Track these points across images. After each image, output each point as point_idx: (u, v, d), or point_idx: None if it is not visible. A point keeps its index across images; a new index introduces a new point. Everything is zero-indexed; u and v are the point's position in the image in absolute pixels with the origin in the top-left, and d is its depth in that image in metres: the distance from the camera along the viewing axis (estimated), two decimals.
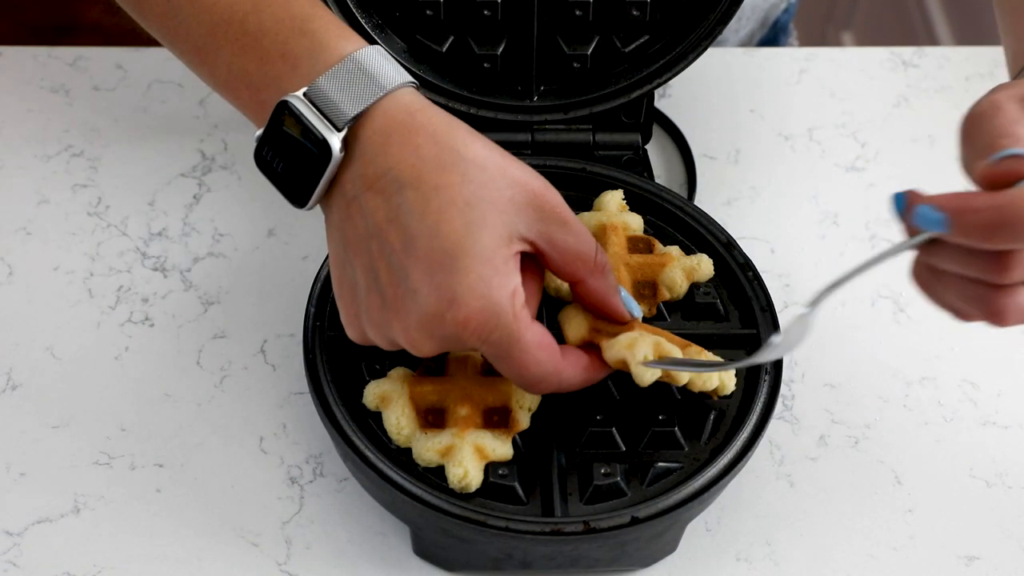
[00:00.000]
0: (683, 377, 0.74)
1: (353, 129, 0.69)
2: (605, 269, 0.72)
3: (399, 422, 0.74)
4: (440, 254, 0.66)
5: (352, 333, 0.72)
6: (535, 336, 0.69)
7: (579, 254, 0.71)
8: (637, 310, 0.75)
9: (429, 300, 0.66)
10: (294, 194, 0.71)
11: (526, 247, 0.69)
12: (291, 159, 0.70)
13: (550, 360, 0.69)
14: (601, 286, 0.73)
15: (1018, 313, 0.62)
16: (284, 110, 0.69)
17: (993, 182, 0.61)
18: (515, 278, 0.68)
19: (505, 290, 0.67)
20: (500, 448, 0.74)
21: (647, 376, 0.72)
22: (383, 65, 0.69)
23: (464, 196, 0.67)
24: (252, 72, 0.72)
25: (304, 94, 0.69)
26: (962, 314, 0.65)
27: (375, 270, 0.68)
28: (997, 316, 0.62)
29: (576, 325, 0.75)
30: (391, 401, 0.75)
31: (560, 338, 0.74)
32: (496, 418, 0.75)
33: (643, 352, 0.72)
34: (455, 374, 0.76)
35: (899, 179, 1.00)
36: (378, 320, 0.69)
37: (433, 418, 0.75)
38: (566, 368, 0.71)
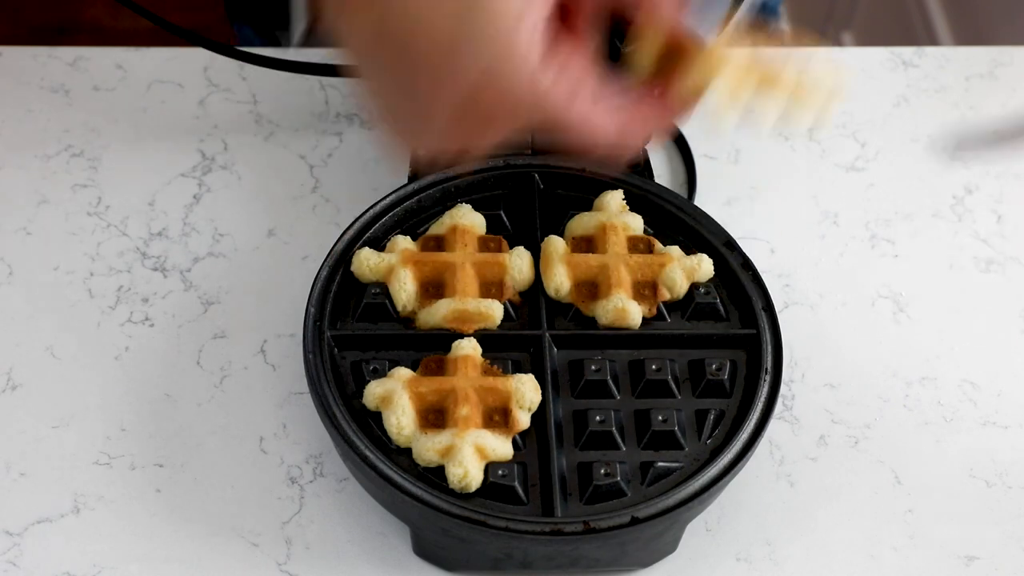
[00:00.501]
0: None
1: None
2: None
3: (399, 422, 0.74)
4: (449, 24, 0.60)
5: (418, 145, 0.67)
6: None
7: None
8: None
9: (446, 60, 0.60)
10: None
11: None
12: None
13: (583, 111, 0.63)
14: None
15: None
16: None
17: None
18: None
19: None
20: (500, 448, 0.74)
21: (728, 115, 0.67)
22: None
23: None
24: None
25: None
26: None
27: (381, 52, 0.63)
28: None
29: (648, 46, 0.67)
30: (391, 401, 0.75)
31: None
32: (496, 418, 0.75)
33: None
34: (455, 374, 0.76)
35: (899, 179, 1.00)
36: (408, 109, 0.64)
37: (433, 418, 0.75)
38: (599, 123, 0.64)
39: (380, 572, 0.77)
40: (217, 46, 0.97)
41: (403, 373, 0.76)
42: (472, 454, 0.72)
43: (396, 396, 0.75)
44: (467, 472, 0.72)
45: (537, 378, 0.77)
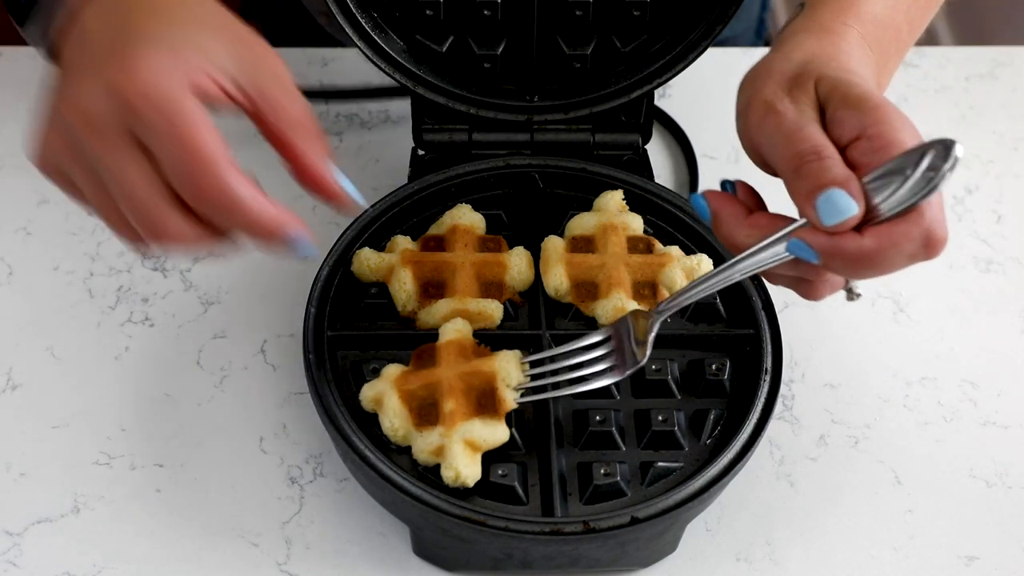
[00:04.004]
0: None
1: None
2: (320, 136, 0.68)
3: (393, 424, 0.74)
4: (132, 33, 0.63)
5: (37, 146, 0.68)
6: (219, 147, 0.63)
7: (293, 113, 0.67)
8: (358, 196, 0.69)
9: (101, 62, 0.63)
10: (21, 16, 0.69)
11: (231, 88, 0.65)
12: None
13: (214, 150, 0.63)
14: (314, 152, 0.67)
15: (828, 291, 0.71)
16: None
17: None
18: (204, 94, 0.64)
19: (186, 83, 0.63)
20: (492, 435, 0.74)
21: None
22: None
23: (179, 8, 0.65)
24: None
25: None
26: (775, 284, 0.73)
27: (71, 56, 0.65)
28: (808, 297, 0.71)
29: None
30: (383, 404, 0.75)
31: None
32: (485, 402, 0.75)
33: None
34: (444, 360, 0.76)
35: None
36: (54, 103, 0.65)
37: (427, 413, 0.75)
38: (247, 188, 0.64)
39: (380, 572, 0.77)
40: None
41: (391, 372, 0.76)
42: (462, 452, 0.72)
43: (386, 398, 0.75)
44: (458, 473, 0.72)
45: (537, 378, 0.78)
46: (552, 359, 0.76)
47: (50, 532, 0.78)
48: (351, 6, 0.85)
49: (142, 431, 0.83)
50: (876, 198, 0.64)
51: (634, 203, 0.86)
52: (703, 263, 0.83)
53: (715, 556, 0.79)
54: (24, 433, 0.82)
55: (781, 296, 0.91)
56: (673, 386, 0.78)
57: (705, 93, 1.05)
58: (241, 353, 0.87)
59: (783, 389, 0.84)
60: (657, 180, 0.90)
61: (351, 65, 1.06)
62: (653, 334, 0.73)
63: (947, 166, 0.62)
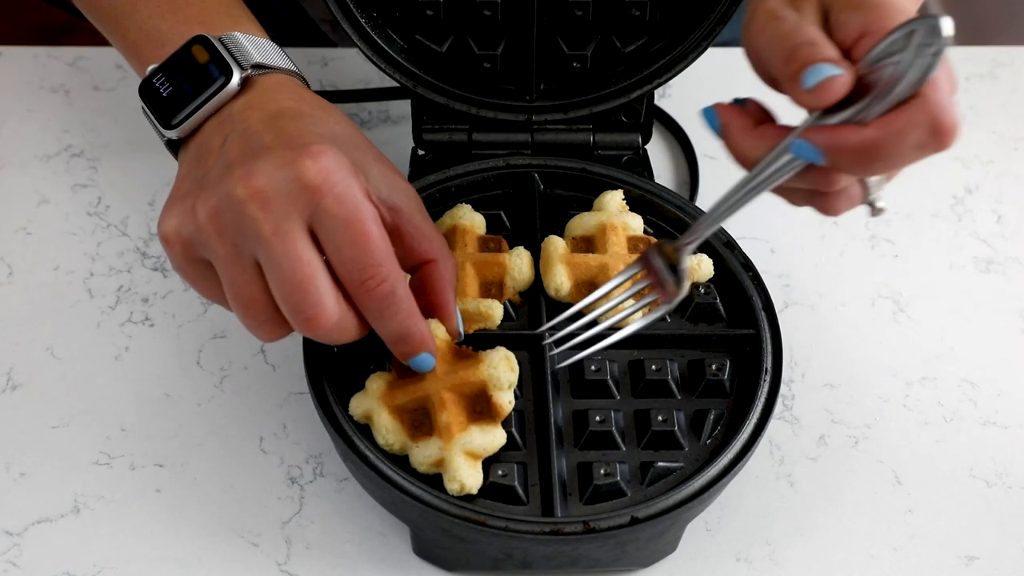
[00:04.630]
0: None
1: (252, 76, 0.73)
2: (454, 261, 0.75)
3: (387, 440, 0.73)
4: (304, 135, 0.68)
5: (173, 221, 0.69)
6: (391, 249, 0.68)
7: (434, 235, 0.73)
8: (461, 327, 0.76)
9: (280, 149, 0.67)
10: (171, 113, 0.72)
11: (380, 205, 0.69)
12: (185, 82, 0.72)
13: (388, 251, 0.68)
14: (448, 272, 0.73)
15: (846, 204, 0.70)
16: (195, 42, 0.73)
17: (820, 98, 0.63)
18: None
19: (358, 177, 0.68)
20: (492, 441, 0.73)
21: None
22: (288, 55, 0.76)
23: (339, 129, 0.71)
24: (164, 31, 0.76)
25: (218, 38, 0.74)
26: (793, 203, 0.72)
27: (225, 150, 0.69)
28: (828, 212, 0.70)
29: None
30: (373, 421, 0.74)
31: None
32: (479, 408, 0.74)
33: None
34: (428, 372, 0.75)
35: (899, 179, 0.99)
36: (216, 179, 0.67)
37: (421, 423, 0.74)
38: (410, 297, 0.69)
39: (380, 572, 0.77)
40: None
41: (376, 386, 0.75)
42: (463, 464, 0.72)
43: (376, 416, 0.74)
44: (463, 485, 0.71)
45: (537, 378, 0.77)
46: (587, 310, 0.77)
47: (50, 532, 0.78)
48: (351, 6, 0.85)
49: (142, 431, 0.83)
50: (873, 87, 0.62)
51: (634, 203, 0.86)
52: (703, 263, 0.83)
53: (715, 556, 0.79)
54: (24, 433, 0.82)
55: (781, 296, 0.91)
56: (673, 386, 0.78)
57: (705, 93, 1.04)
58: (241, 353, 0.87)
59: (783, 389, 0.84)
60: (657, 180, 0.90)
61: (351, 65, 1.06)
62: (685, 264, 0.72)
63: (939, 43, 0.60)
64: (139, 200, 0.96)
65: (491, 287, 0.82)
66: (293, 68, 0.76)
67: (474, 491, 0.72)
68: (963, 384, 0.88)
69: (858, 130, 0.63)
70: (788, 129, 0.67)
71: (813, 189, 0.68)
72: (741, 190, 0.68)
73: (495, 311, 0.80)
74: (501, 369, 0.74)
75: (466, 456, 0.72)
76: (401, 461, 0.74)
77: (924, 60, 0.61)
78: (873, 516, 0.81)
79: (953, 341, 0.90)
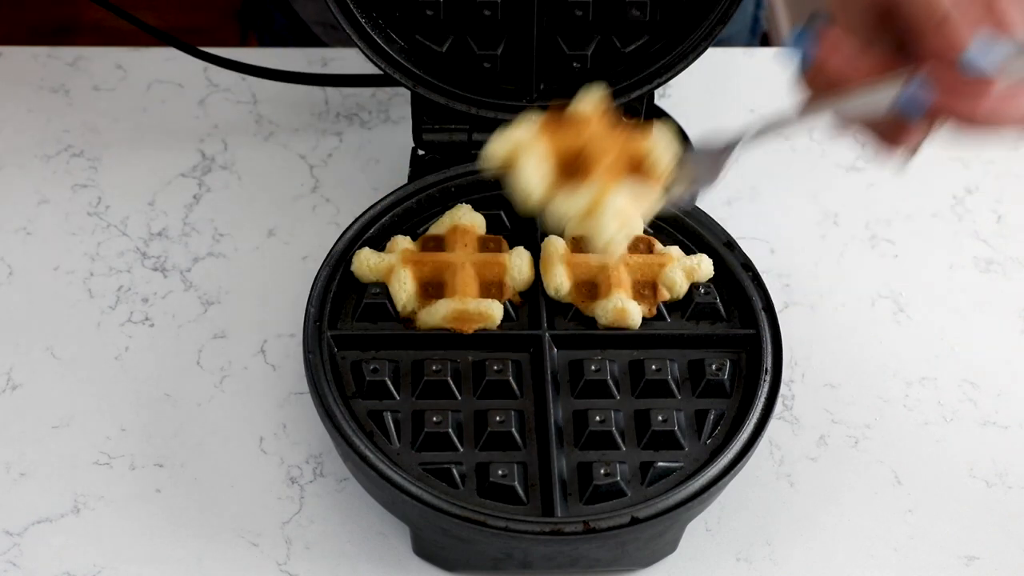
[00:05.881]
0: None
1: None
2: None
3: (530, 183, 0.67)
4: None
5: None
6: None
7: None
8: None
9: None
10: None
11: None
12: None
13: None
14: None
15: (902, 155, 0.66)
16: None
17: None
18: None
19: None
20: (647, 197, 0.69)
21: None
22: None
23: None
24: None
25: None
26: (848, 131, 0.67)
27: None
28: (882, 153, 0.66)
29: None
30: (519, 158, 0.68)
31: None
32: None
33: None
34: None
35: (899, 178, 1.00)
36: None
37: (570, 172, 0.69)
38: None
39: (380, 572, 0.77)
40: (188, 48, 0.96)
41: (528, 127, 0.69)
42: (619, 210, 0.67)
43: (525, 155, 0.68)
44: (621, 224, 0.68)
45: (537, 378, 0.77)
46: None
47: (50, 532, 0.78)
48: (351, 6, 0.85)
49: (142, 431, 0.83)
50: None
51: None
52: (703, 263, 0.83)
53: (715, 556, 0.79)
54: (24, 433, 0.82)
55: (781, 296, 0.91)
56: (673, 386, 0.78)
57: (705, 93, 1.05)
58: (241, 353, 0.87)
59: (783, 389, 0.84)
60: None
61: (351, 65, 1.06)
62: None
63: None
64: (139, 200, 0.96)
65: (491, 287, 0.82)
66: None
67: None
68: (963, 384, 0.88)
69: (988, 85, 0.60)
70: (896, 63, 0.63)
71: (880, 129, 0.65)
72: (821, 104, 0.63)
73: (495, 311, 0.80)
74: (668, 141, 0.71)
75: (619, 210, 0.68)
76: (401, 461, 0.74)
77: None
78: (873, 516, 0.81)
79: (953, 341, 0.90)
